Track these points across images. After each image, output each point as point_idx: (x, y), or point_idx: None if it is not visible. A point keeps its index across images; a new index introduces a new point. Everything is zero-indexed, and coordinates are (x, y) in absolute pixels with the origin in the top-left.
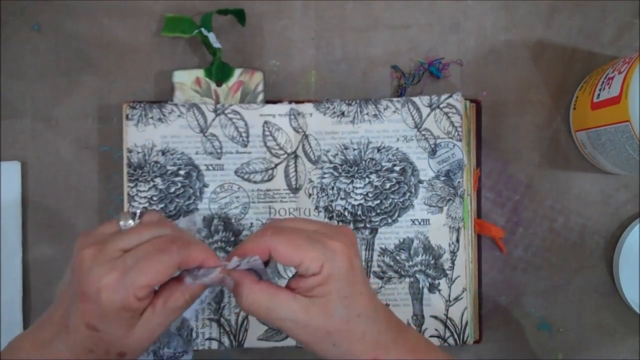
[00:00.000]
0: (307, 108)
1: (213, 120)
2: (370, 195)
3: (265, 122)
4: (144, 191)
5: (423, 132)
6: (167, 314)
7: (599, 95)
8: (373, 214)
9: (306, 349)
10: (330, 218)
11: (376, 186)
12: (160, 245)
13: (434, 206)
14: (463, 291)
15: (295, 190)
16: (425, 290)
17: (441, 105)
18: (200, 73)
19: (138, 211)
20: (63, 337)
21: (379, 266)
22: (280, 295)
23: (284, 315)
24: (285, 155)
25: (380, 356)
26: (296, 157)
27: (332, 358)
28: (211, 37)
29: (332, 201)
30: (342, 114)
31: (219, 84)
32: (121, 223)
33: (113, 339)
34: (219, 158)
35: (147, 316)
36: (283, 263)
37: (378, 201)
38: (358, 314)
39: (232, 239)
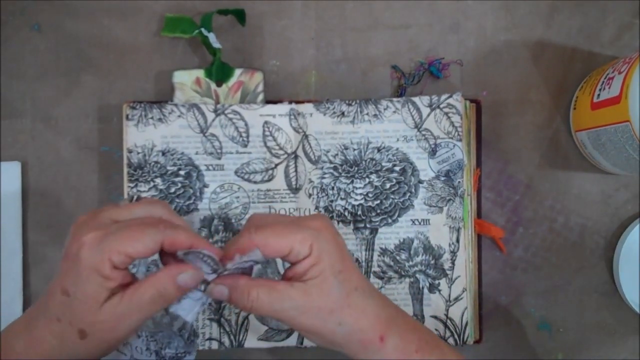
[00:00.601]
0: (307, 108)
1: (213, 120)
2: (370, 195)
3: (266, 122)
4: (144, 191)
5: (423, 132)
6: (131, 306)
7: (599, 95)
8: (373, 214)
9: (314, 341)
10: (331, 218)
11: (376, 186)
12: (148, 220)
13: (434, 206)
14: (463, 291)
15: (295, 190)
16: (426, 290)
17: (441, 105)
18: (200, 73)
19: (136, 196)
20: (42, 306)
21: (379, 266)
22: (278, 287)
23: (286, 305)
24: (286, 156)
25: (385, 333)
26: (296, 157)
27: (341, 341)
28: (211, 37)
29: (332, 201)
30: (342, 114)
31: (219, 84)
32: (120, 203)
33: (79, 310)
34: (219, 158)
35: (115, 301)
36: (274, 255)
37: (378, 201)
38: (355, 288)
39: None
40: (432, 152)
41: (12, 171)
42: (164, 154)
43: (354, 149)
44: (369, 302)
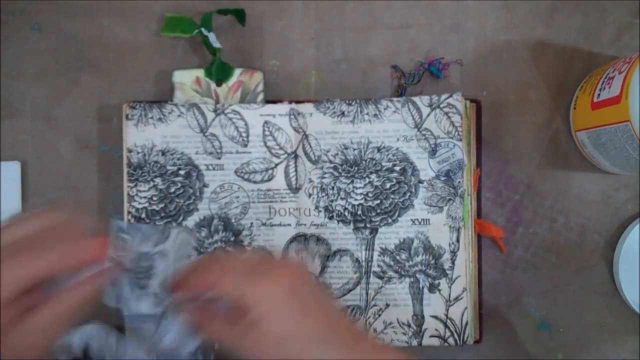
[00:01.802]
0: (307, 108)
1: (213, 120)
2: (370, 195)
3: (265, 122)
4: (144, 191)
5: (423, 132)
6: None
7: (599, 95)
8: (373, 213)
9: None
10: (331, 218)
11: (376, 186)
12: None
13: (434, 206)
14: (463, 291)
15: (295, 190)
16: (426, 290)
17: (441, 105)
18: (200, 73)
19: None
20: None
21: (379, 266)
22: (235, 327)
23: (241, 346)
24: (285, 155)
25: None
26: (296, 157)
27: None
28: (211, 37)
29: (332, 201)
30: (342, 113)
31: (219, 84)
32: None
33: None
34: (219, 158)
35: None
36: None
37: (378, 201)
38: (298, 354)
39: (232, 238)
40: (432, 152)
41: (12, 171)
42: (163, 153)
43: (354, 149)
44: (327, 355)
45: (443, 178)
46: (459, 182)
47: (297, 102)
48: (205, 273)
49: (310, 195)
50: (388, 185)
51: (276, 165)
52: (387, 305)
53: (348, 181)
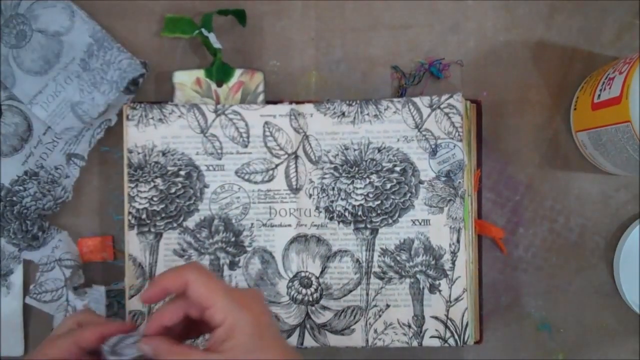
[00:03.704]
0: (307, 108)
1: (213, 120)
2: (370, 195)
3: (266, 123)
4: (144, 192)
5: (423, 133)
6: None
7: (599, 95)
8: (374, 214)
9: None
10: (331, 218)
11: (377, 187)
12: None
13: (434, 207)
14: (463, 292)
15: (295, 190)
16: (426, 291)
17: (442, 106)
18: (200, 73)
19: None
20: None
21: (379, 267)
22: (192, 355)
23: None
24: (286, 156)
25: None
26: (297, 157)
27: None
28: (211, 37)
29: (332, 202)
30: (343, 114)
31: (219, 85)
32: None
33: None
34: (220, 158)
35: None
36: (195, 301)
37: (379, 202)
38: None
39: (233, 239)
40: (433, 153)
41: None
42: (164, 154)
43: (355, 150)
44: None
45: (443, 178)
46: (460, 182)
47: (298, 102)
48: (184, 271)
49: (310, 195)
50: (388, 185)
51: (277, 165)
52: (388, 306)
53: (348, 182)
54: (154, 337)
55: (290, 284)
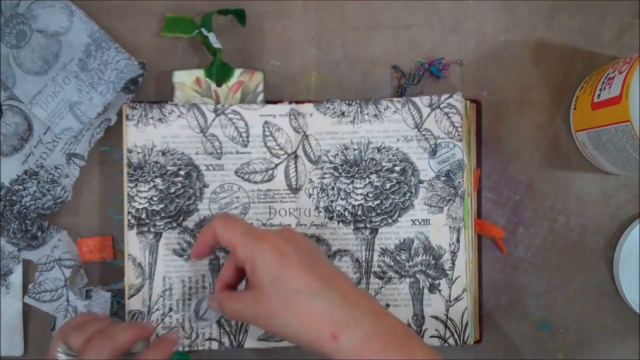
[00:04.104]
0: (307, 108)
1: (213, 120)
2: (370, 195)
3: (266, 122)
4: (144, 191)
5: (423, 132)
6: None
7: (599, 95)
8: (373, 214)
9: (288, 341)
10: (331, 218)
11: (376, 186)
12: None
13: (434, 206)
14: (463, 291)
15: (295, 190)
16: (426, 291)
17: (441, 106)
18: (200, 73)
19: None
20: None
21: (379, 266)
22: (239, 296)
23: (247, 311)
24: (286, 156)
25: (339, 332)
26: (296, 157)
27: (296, 339)
28: (211, 37)
29: (332, 201)
30: (343, 114)
31: (219, 84)
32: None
33: None
34: (219, 158)
35: None
36: (225, 246)
37: (378, 201)
38: (297, 291)
39: None
40: (433, 152)
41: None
42: (164, 154)
43: (354, 149)
44: (316, 303)
45: (443, 178)
46: (459, 182)
47: (297, 102)
48: (210, 223)
49: (310, 195)
50: (388, 185)
51: (276, 165)
52: (388, 306)
53: (348, 181)
54: (217, 292)
55: None
